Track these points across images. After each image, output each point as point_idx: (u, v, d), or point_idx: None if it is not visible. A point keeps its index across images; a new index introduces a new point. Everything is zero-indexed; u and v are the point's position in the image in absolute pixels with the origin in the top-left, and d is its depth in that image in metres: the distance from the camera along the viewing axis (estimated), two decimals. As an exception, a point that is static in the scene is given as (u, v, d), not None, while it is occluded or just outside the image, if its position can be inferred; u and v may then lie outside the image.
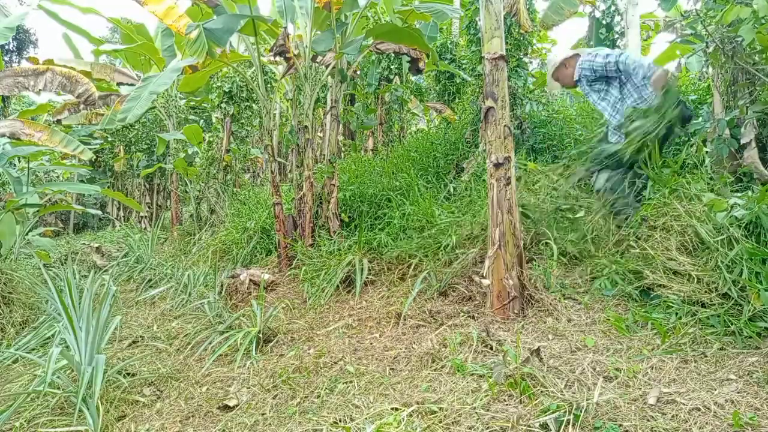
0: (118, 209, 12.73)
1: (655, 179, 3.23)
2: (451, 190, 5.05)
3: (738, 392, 1.96)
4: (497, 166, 3.03)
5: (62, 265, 6.11)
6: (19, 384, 2.93)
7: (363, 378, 2.47)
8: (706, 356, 2.28)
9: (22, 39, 18.31)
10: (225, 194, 7.64)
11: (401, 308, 3.22)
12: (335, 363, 2.70)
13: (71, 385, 2.60)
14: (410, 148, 6.43)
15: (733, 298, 2.46)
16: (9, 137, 6.01)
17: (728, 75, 3.45)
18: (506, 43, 3.46)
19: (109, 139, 11.46)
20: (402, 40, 4.75)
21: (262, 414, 2.30)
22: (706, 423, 1.79)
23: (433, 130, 7.58)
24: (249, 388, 2.60)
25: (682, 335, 2.43)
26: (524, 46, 5.32)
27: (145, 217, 11.73)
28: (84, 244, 7.48)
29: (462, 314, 3.03)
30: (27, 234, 6.26)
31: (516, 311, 2.97)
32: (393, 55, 7.37)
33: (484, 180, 4.60)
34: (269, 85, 7.40)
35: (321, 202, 4.95)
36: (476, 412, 1.93)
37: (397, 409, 2.07)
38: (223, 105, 7.66)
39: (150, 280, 5.48)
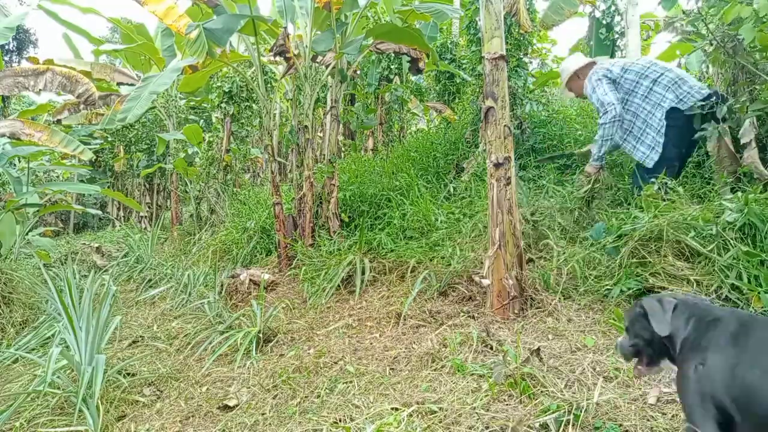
0: (118, 209, 12.73)
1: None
2: (451, 190, 5.05)
3: (738, 392, 1.96)
4: (497, 166, 3.03)
5: (62, 265, 6.11)
6: (19, 384, 2.93)
7: (363, 378, 2.47)
8: (706, 356, 2.28)
9: (22, 39, 18.32)
10: (225, 194, 7.64)
11: (401, 308, 3.22)
12: (335, 363, 2.70)
13: (71, 385, 2.60)
14: (410, 148, 6.42)
15: (732, 300, 2.46)
16: (9, 137, 6.01)
17: (728, 74, 3.45)
18: (506, 43, 3.46)
19: (109, 139, 11.47)
20: (402, 40, 4.75)
21: (262, 414, 2.30)
22: (706, 423, 1.79)
23: (433, 130, 7.58)
24: (249, 388, 2.60)
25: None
26: (524, 46, 5.32)
27: (145, 217, 11.73)
28: (84, 244, 7.48)
29: (462, 314, 3.03)
30: (27, 234, 6.26)
31: (516, 311, 2.97)
32: (393, 55, 7.37)
33: (484, 180, 4.60)
34: (269, 85, 7.40)
35: (321, 202, 4.95)
36: (476, 412, 1.93)
37: (397, 409, 2.07)
38: (223, 105, 7.66)
39: (150, 280, 5.48)
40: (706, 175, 3.63)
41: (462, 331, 2.77)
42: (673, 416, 1.84)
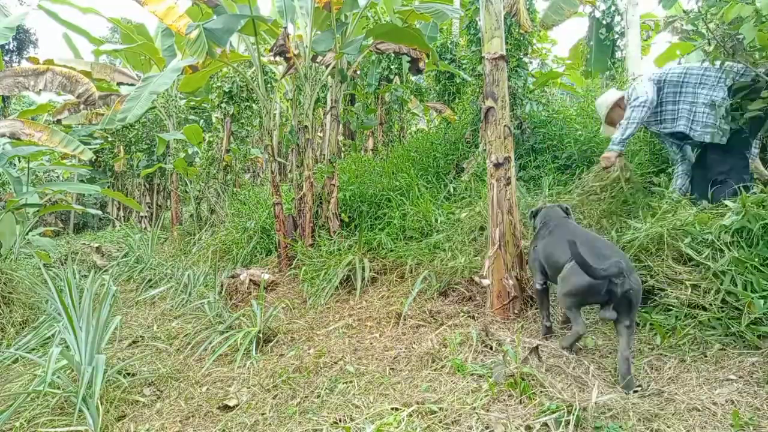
0: (118, 209, 12.73)
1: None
2: (451, 190, 5.05)
3: (738, 392, 1.96)
4: (497, 166, 3.03)
5: (62, 265, 6.11)
6: (19, 384, 2.92)
7: (363, 378, 2.47)
8: (706, 356, 2.28)
9: (22, 39, 18.31)
10: (225, 194, 7.64)
11: (401, 308, 3.22)
12: (335, 363, 2.70)
13: (71, 385, 2.60)
14: (410, 148, 6.42)
15: (731, 303, 2.45)
16: (9, 137, 6.00)
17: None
18: (506, 43, 3.46)
19: (109, 139, 11.47)
20: (402, 40, 4.75)
21: (262, 414, 2.30)
22: (706, 423, 1.79)
23: (433, 130, 7.58)
24: (249, 388, 2.60)
25: (682, 336, 2.42)
26: (524, 46, 5.32)
27: (145, 217, 11.72)
28: (84, 244, 7.48)
29: (462, 314, 3.03)
30: (27, 234, 6.26)
31: (516, 311, 2.97)
32: (393, 55, 7.37)
33: (484, 180, 4.60)
34: (269, 85, 7.40)
35: (321, 202, 4.95)
36: (476, 412, 1.93)
37: (397, 409, 2.07)
38: (223, 105, 7.66)
39: (150, 280, 5.48)
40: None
41: (462, 331, 2.77)
42: (673, 416, 1.84)
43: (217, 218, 7.51)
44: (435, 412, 2.00)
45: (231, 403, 2.45)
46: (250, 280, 4.31)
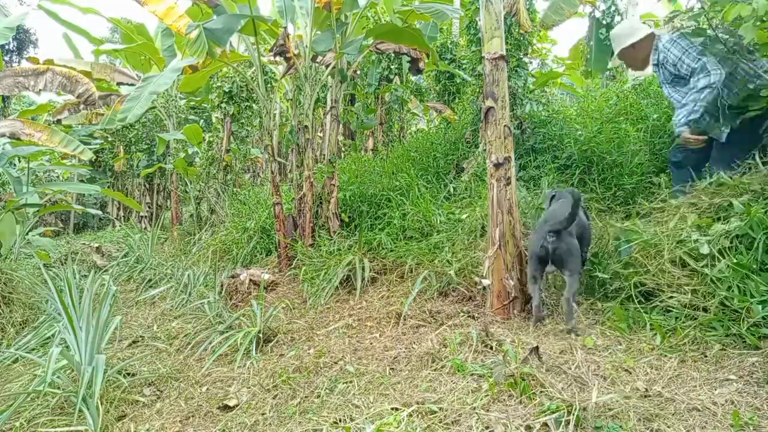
0: (118, 209, 12.73)
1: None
2: (451, 190, 5.05)
3: (738, 392, 1.96)
4: (497, 166, 3.03)
5: (62, 265, 6.11)
6: (19, 384, 2.92)
7: (363, 378, 2.47)
8: (706, 356, 2.28)
9: (22, 39, 18.33)
10: (225, 194, 7.64)
11: (401, 308, 3.22)
12: (335, 363, 2.70)
13: (71, 385, 2.60)
14: (410, 148, 6.42)
15: (730, 307, 2.45)
16: (9, 137, 6.00)
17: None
18: (506, 43, 3.46)
19: (109, 139, 11.47)
20: (402, 40, 4.75)
21: (262, 414, 2.30)
22: (706, 423, 1.79)
23: (433, 130, 7.58)
24: (249, 388, 2.60)
25: (682, 336, 2.42)
26: (524, 46, 5.32)
27: (145, 217, 11.72)
28: (84, 244, 7.48)
29: (462, 314, 3.03)
30: (27, 234, 6.26)
31: (516, 311, 2.97)
32: (393, 55, 7.37)
33: (484, 180, 4.60)
34: (269, 85, 7.40)
35: (321, 202, 4.95)
36: (476, 412, 1.93)
37: (397, 409, 2.07)
38: (223, 105, 7.66)
39: (150, 280, 5.48)
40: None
41: (462, 331, 2.77)
42: (673, 416, 1.84)
43: (217, 218, 7.51)
44: (435, 412, 2.00)
45: (231, 403, 2.45)
46: (250, 280, 4.31)
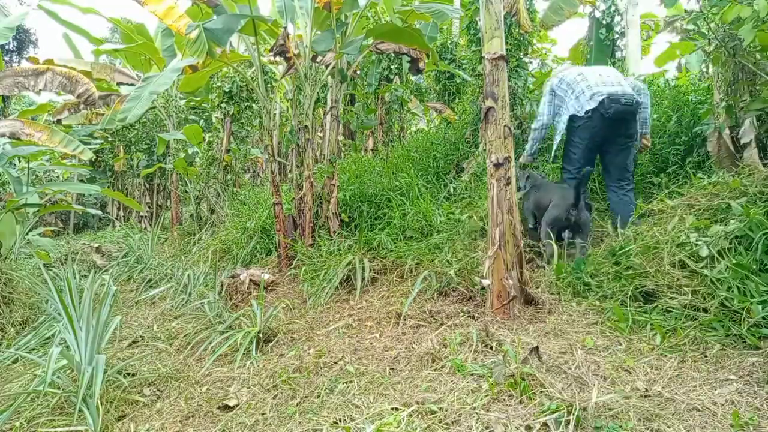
0: (118, 209, 12.72)
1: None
2: (451, 190, 5.05)
3: (738, 392, 1.96)
4: (497, 166, 3.02)
5: (62, 265, 6.11)
6: (19, 384, 2.93)
7: (363, 378, 2.47)
8: (706, 356, 2.28)
9: (22, 39, 18.32)
10: (225, 194, 7.64)
11: (401, 308, 3.21)
12: (335, 363, 2.70)
13: (71, 385, 2.60)
14: (410, 148, 6.42)
15: (730, 307, 2.45)
16: (9, 137, 6.00)
17: (729, 73, 3.45)
18: (506, 43, 3.46)
19: (109, 139, 11.46)
20: (402, 40, 4.75)
21: (262, 414, 2.30)
22: (706, 423, 1.79)
23: (433, 130, 7.58)
24: (249, 388, 2.60)
25: (682, 336, 2.42)
26: (524, 46, 5.32)
27: (145, 217, 11.73)
28: (84, 244, 7.48)
29: (462, 314, 3.02)
30: (27, 234, 6.26)
31: (516, 311, 2.97)
32: (393, 55, 7.37)
33: (484, 180, 4.60)
34: (269, 85, 7.40)
35: (321, 202, 4.95)
36: (476, 412, 1.93)
37: (397, 409, 2.07)
38: (223, 105, 7.66)
39: (150, 280, 5.47)
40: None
41: (462, 331, 2.77)
42: (673, 416, 1.84)
43: (217, 218, 7.50)
44: (435, 412, 2.00)
45: (231, 403, 2.45)
46: (250, 280, 4.31)
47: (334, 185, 4.88)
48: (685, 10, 3.43)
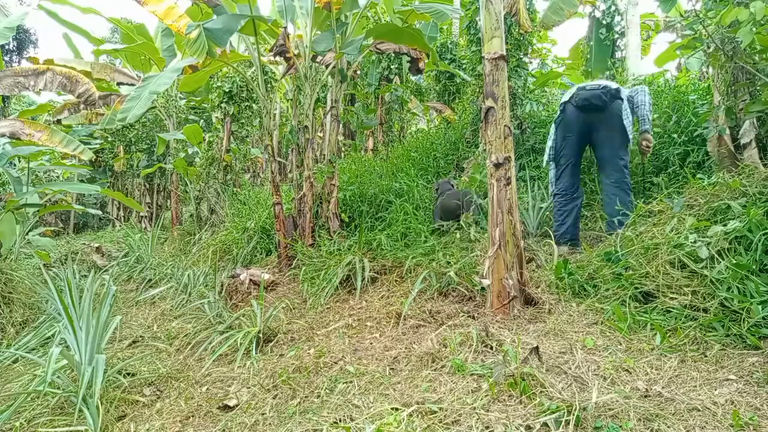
0: (118, 209, 12.73)
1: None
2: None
3: (738, 392, 1.96)
4: (497, 166, 3.02)
5: (62, 265, 6.11)
6: (19, 384, 2.93)
7: (363, 378, 2.47)
8: (706, 356, 2.28)
9: (22, 39, 18.31)
10: (225, 194, 7.64)
11: (401, 308, 3.21)
12: (335, 363, 2.70)
13: (71, 385, 2.60)
14: (410, 148, 6.43)
15: (730, 308, 2.45)
16: (9, 137, 6.00)
17: (728, 75, 3.45)
18: (506, 43, 3.46)
19: (109, 139, 11.47)
20: (402, 40, 4.75)
21: (262, 414, 2.30)
22: (706, 423, 1.79)
23: (433, 130, 7.59)
24: (249, 388, 2.60)
25: (682, 336, 2.42)
26: (524, 46, 5.32)
27: (145, 217, 11.73)
28: (84, 244, 7.48)
29: (462, 314, 3.02)
30: (27, 234, 6.26)
31: (516, 311, 2.96)
32: (393, 55, 7.38)
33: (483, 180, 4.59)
34: (269, 85, 7.40)
35: (321, 202, 4.95)
36: (476, 412, 1.93)
37: (397, 409, 2.07)
38: (223, 105, 7.66)
39: (150, 280, 5.48)
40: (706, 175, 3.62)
41: (462, 331, 2.77)
42: (673, 416, 1.84)
43: (217, 218, 7.51)
44: (435, 412, 2.00)
45: (231, 403, 2.45)
46: (250, 280, 4.31)
47: (334, 185, 4.88)
48: (685, 11, 3.42)
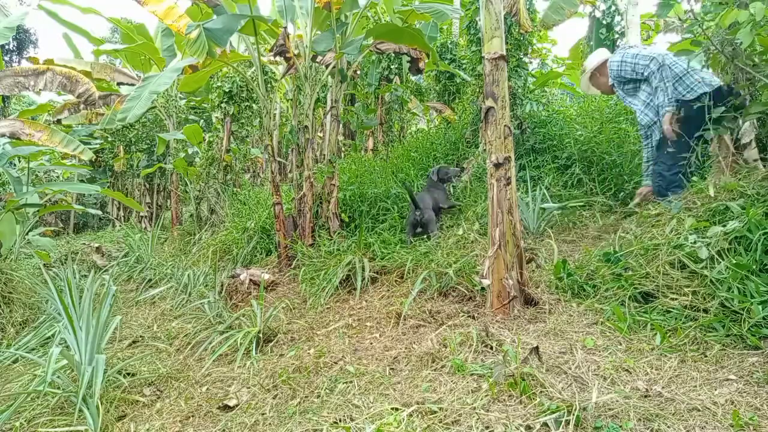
0: (118, 209, 12.73)
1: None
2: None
3: (738, 392, 1.96)
4: (497, 166, 3.02)
5: (62, 265, 6.11)
6: (19, 384, 2.93)
7: (363, 378, 2.47)
8: (706, 356, 2.28)
9: (22, 39, 18.33)
10: (225, 194, 7.64)
11: (401, 308, 3.21)
12: (335, 363, 2.70)
13: (71, 385, 2.60)
14: (410, 148, 6.43)
15: (730, 308, 2.45)
16: (9, 137, 6.00)
17: (729, 76, 3.44)
18: (506, 43, 3.46)
19: (109, 139, 11.47)
20: (402, 40, 4.75)
21: (262, 414, 2.30)
22: (706, 423, 1.79)
23: (433, 130, 7.58)
24: (249, 388, 2.60)
25: (682, 336, 2.42)
26: (524, 46, 5.32)
27: (145, 217, 11.72)
28: (84, 244, 7.49)
29: (462, 314, 3.02)
30: (27, 234, 6.26)
31: (516, 311, 2.96)
32: (393, 55, 7.38)
33: (483, 180, 4.60)
34: (269, 85, 7.40)
35: (321, 202, 4.95)
36: (476, 412, 1.93)
37: (397, 409, 2.07)
38: (223, 105, 7.66)
39: (150, 280, 5.48)
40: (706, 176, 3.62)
41: (462, 331, 2.77)
42: (673, 416, 1.85)
43: (217, 218, 7.50)
44: (435, 412, 2.00)
45: (231, 403, 2.45)
46: (250, 280, 4.32)
47: (334, 185, 4.88)
48: (679, 18, 3.42)
